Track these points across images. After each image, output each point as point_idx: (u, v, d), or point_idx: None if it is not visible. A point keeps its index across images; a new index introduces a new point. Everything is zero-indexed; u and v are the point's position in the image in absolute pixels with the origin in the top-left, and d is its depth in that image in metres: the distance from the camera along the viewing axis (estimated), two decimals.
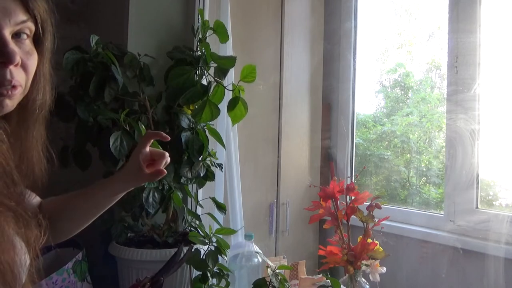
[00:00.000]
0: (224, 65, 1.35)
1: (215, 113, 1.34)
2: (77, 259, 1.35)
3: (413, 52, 2.13)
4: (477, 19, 1.61)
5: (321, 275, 1.47)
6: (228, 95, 1.37)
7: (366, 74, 2.17)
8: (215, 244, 1.29)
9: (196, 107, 1.36)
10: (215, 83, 1.35)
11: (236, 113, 1.33)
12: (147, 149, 0.93)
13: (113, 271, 1.39)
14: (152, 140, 0.95)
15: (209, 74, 1.39)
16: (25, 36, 0.67)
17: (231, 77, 1.56)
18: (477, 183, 1.59)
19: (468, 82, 1.62)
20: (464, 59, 1.63)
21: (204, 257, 1.26)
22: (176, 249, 1.17)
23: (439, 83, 2.01)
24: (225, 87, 1.34)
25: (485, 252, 1.48)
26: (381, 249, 1.37)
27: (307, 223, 1.59)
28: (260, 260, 1.45)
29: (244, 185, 1.75)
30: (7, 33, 0.64)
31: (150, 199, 1.30)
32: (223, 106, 1.38)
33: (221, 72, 1.35)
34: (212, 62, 1.38)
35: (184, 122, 1.39)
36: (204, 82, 1.40)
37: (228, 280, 1.31)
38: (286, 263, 1.62)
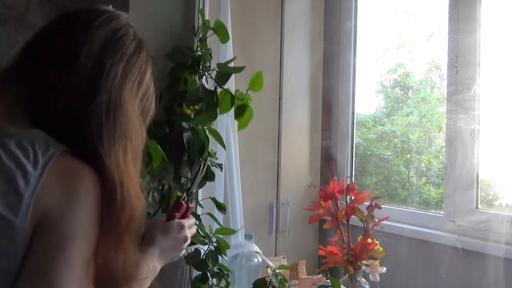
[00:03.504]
0: (228, 71, 1.35)
1: (212, 112, 1.34)
2: None
3: (413, 52, 2.13)
4: (477, 19, 1.61)
5: (321, 275, 1.47)
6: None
7: (366, 74, 2.17)
8: (215, 244, 1.29)
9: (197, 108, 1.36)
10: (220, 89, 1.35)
11: (244, 119, 1.34)
12: None
13: None
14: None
15: (210, 76, 1.39)
16: None
17: (231, 81, 1.55)
18: (477, 183, 1.59)
19: (468, 82, 1.62)
20: (464, 59, 1.63)
21: (204, 257, 1.26)
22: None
23: (439, 83, 2.01)
24: (233, 96, 1.34)
25: (485, 252, 1.48)
26: (381, 249, 1.37)
27: (307, 223, 1.59)
28: (260, 260, 1.45)
29: (244, 185, 1.75)
30: None
31: (150, 199, 1.30)
32: None
33: (223, 78, 1.35)
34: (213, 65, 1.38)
35: (184, 122, 1.38)
36: (204, 83, 1.40)
37: (228, 280, 1.31)
38: (286, 263, 1.62)
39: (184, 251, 1.09)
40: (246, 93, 1.33)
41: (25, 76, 0.73)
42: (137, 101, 0.81)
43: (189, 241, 1.07)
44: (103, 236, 0.69)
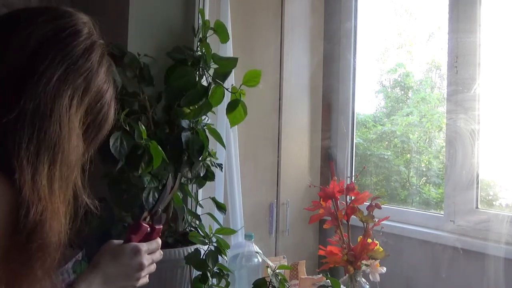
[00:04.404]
0: (225, 67, 1.35)
1: (206, 109, 1.33)
2: (77, 259, 1.35)
3: (413, 52, 2.13)
4: (477, 19, 1.61)
5: (321, 275, 1.47)
6: (228, 96, 1.36)
7: (366, 74, 2.17)
8: (215, 244, 1.29)
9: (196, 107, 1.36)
10: (215, 84, 1.35)
11: (235, 115, 1.32)
12: None
13: None
14: None
15: (209, 75, 1.39)
16: None
17: (231, 78, 1.56)
18: (477, 183, 1.59)
19: (468, 82, 1.62)
20: (464, 59, 1.63)
21: (204, 257, 1.26)
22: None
23: (439, 83, 2.01)
24: (225, 89, 1.34)
25: (485, 252, 1.48)
26: (381, 249, 1.37)
27: (307, 223, 1.59)
28: (260, 260, 1.45)
29: (244, 185, 1.75)
30: None
31: (150, 199, 1.29)
32: (222, 106, 1.38)
33: (222, 75, 1.34)
34: (212, 63, 1.38)
35: (184, 122, 1.38)
36: (204, 83, 1.40)
37: (228, 280, 1.31)
38: (286, 263, 1.62)
39: (144, 280, 0.92)
40: (240, 88, 1.32)
41: None
42: (80, 112, 0.72)
43: (150, 268, 0.92)
44: (7, 255, 0.62)
